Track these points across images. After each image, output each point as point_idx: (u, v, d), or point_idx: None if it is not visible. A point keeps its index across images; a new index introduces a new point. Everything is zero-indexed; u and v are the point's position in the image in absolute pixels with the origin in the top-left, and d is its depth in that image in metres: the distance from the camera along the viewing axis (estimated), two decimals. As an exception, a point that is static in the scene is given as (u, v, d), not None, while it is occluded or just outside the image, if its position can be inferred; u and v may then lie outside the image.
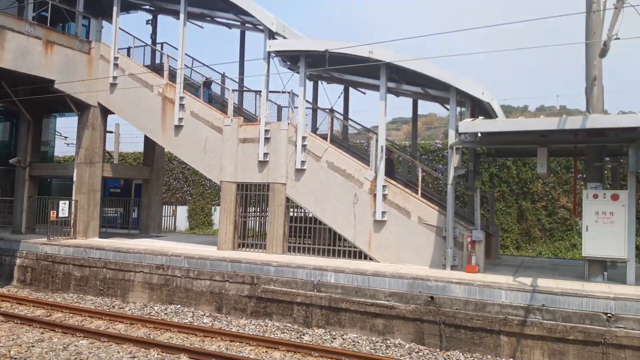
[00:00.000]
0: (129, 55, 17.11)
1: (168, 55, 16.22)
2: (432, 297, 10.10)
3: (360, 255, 12.79)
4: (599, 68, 10.29)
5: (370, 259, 12.54)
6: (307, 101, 14.97)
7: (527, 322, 9.14)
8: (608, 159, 13.33)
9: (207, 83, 16.74)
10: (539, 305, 9.13)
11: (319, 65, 12.93)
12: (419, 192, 12.57)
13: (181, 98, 15.30)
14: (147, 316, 12.05)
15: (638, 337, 8.32)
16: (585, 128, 9.53)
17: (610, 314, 8.58)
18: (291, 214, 14.03)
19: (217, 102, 17.07)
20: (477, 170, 13.72)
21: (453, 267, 11.40)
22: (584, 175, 10.99)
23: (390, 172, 13.22)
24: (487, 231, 13.35)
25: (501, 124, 10.52)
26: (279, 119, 17.02)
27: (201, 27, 18.17)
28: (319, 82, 17.14)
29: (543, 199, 18.97)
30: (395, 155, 14.66)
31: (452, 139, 11.60)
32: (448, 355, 9.60)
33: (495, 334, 9.44)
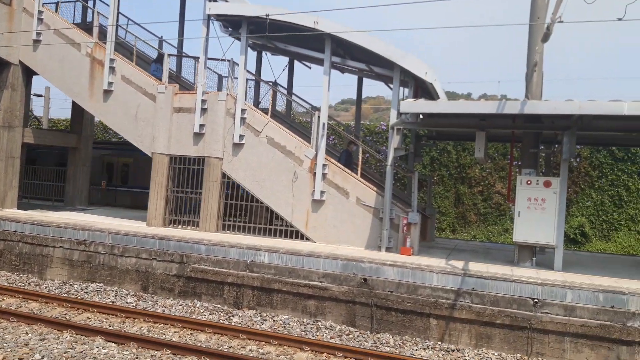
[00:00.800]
0: (56, 10, 15.61)
1: (98, 12, 14.91)
2: (365, 279, 9.92)
3: (297, 235, 12.43)
4: (541, 53, 10.28)
5: (307, 239, 12.22)
6: (249, 72, 14.26)
7: (457, 306, 9.14)
8: (543, 147, 13.60)
9: (160, 58, 15.40)
10: (469, 289, 9.14)
11: (263, 32, 12.25)
12: (359, 172, 12.31)
13: (111, 60, 14.13)
14: (65, 295, 11.19)
15: (562, 322, 8.49)
16: (523, 113, 9.53)
17: (537, 299, 8.71)
18: (227, 190, 13.42)
19: (172, 80, 15.93)
20: (417, 153, 13.63)
21: (388, 249, 11.28)
22: (519, 162, 11.08)
23: (349, 165, 12.87)
24: (423, 214, 13.34)
25: (442, 105, 10.35)
26: (220, 89, 16.21)
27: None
28: (264, 52, 16.40)
29: (480, 184, 19.35)
30: (355, 147, 14.36)
31: (393, 119, 11.36)
32: (378, 338, 9.48)
33: (425, 317, 9.40)
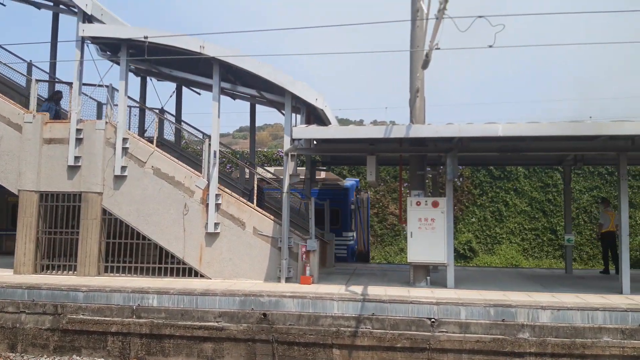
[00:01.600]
0: None
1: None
2: (264, 314, 9.41)
3: (191, 272, 11.58)
4: (422, 80, 10.75)
5: (202, 276, 11.42)
6: (131, 98, 13.28)
7: (358, 333, 8.97)
8: (430, 168, 14.24)
9: (56, 96, 13.67)
10: (369, 315, 9.03)
11: (145, 56, 11.48)
12: (255, 200, 11.87)
13: (-35, 88, 12.38)
14: None
15: (458, 340, 8.65)
16: (409, 137, 9.82)
17: (434, 319, 8.82)
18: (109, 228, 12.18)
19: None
20: (313, 179, 13.55)
21: (288, 279, 10.90)
22: (409, 184, 11.41)
23: (260, 202, 12.34)
24: (322, 239, 13.22)
25: (333, 131, 10.36)
26: (100, 117, 14.93)
27: (3, 5, 15.19)
28: (149, 78, 15.47)
29: (375, 206, 19.84)
30: (265, 185, 13.95)
31: (287, 145, 11.15)
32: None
33: (328, 347, 9.10)
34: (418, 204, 10.62)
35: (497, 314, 8.67)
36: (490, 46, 8.35)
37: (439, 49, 8.47)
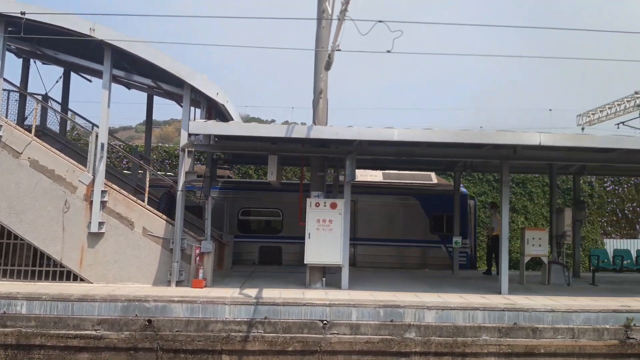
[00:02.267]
0: None
1: None
2: (150, 321, 8.80)
3: (69, 276, 10.54)
4: (325, 81, 10.74)
5: (82, 279, 10.45)
6: (7, 81, 11.87)
7: (250, 338, 8.70)
8: (333, 169, 14.35)
9: None
10: (261, 318, 8.79)
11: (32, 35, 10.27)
12: (146, 199, 11.13)
13: None
14: None
15: (348, 341, 8.69)
16: (310, 138, 9.74)
17: (326, 320, 8.79)
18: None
19: None
20: (214, 177, 13.00)
21: (179, 283, 10.32)
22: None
23: (169, 210, 11.35)
24: (220, 241, 12.76)
25: (234, 127, 10.00)
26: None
27: None
28: (32, 61, 13.97)
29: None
30: (177, 190, 13.09)
31: (184, 140, 10.58)
32: (166, 385, 8.48)
33: (217, 354, 8.72)
34: (317, 205, 10.59)
35: (386, 315, 8.84)
36: (389, 51, 8.51)
37: (339, 50, 8.49)
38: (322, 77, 10.68)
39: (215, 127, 9.83)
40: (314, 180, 10.98)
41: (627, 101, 23.19)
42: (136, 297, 8.94)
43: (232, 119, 11.79)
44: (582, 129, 24.16)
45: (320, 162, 11.01)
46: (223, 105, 10.95)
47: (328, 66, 9.56)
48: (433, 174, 17.36)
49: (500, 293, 10.37)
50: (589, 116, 25.18)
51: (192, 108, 11.97)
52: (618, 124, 21.74)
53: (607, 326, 8.96)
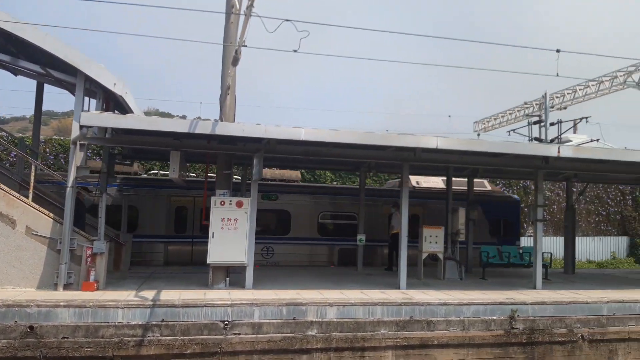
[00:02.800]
0: None
1: None
2: (31, 327, 8.05)
3: None
4: (233, 77, 10.51)
5: (-49, 283, 9.32)
6: None
7: (145, 342, 8.25)
8: (241, 168, 14.11)
9: None
10: (158, 321, 8.38)
11: None
12: (30, 195, 10.17)
13: None
14: None
15: (250, 341, 8.57)
16: (216, 134, 9.47)
17: (227, 321, 8.59)
18: None
19: None
20: (111, 173, 12.20)
21: (67, 286, 9.53)
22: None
23: (79, 219, 10.49)
24: (117, 241, 12.03)
25: (132, 121, 9.42)
26: None
27: None
28: None
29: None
30: (85, 196, 11.99)
31: (75, 132, 9.79)
32: (49, 397, 7.79)
33: (108, 360, 8.18)
34: (222, 203, 10.32)
35: (289, 313, 8.83)
36: (295, 51, 8.52)
37: (245, 46, 8.35)
38: (229, 73, 10.44)
39: (111, 120, 9.22)
40: (219, 178, 10.70)
41: (518, 110, 25.41)
42: (16, 302, 8.13)
43: (132, 112, 11.15)
44: (478, 134, 26.04)
45: (226, 159, 10.75)
46: (121, 96, 10.31)
47: (235, 62, 9.36)
48: (486, 181, 18.21)
49: (399, 288, 10.80)
50: (484, 123, 27.21)
51: (89, 99, 11.19)
52: (509, 131, 23.66)
53: (494, 318, 9.67)
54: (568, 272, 15.44)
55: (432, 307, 9.46)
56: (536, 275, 11.76)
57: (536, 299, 10.18)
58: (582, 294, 11.10)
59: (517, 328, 9.67)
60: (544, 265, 12.54)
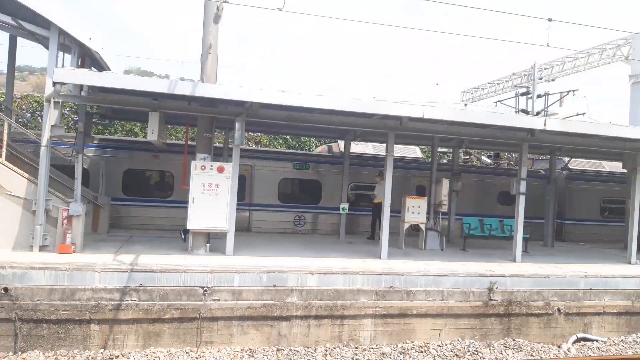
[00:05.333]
0: None
1: None
2: (5, 289, 7.89)
3: None
4: (215, 35, 10.07)
5: None
6: None
7: (122, 306, 8.15)
8: (223, 132, 13.77)
9: None
10: (136, 286, 8.27)
11: None
12: (4, 153, 9.80)
13: None
14: None
15: (229, 307, 8.52)
16: (197, 96, 9.13)
17: (207, 287, 8.51)
18: None
19: None
20: (88, 133, 11.79)
21: (43, 248, 9.34)
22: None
23: None
24: (95, 203, 11.77)
25: (108, 78, 8.98)
26: None
27: None
28: None
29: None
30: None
31: (49, 89, 9.36)
32: (24, 358, 7.70)
33: (85, 323, 8.08)
34: (203, 168, 10.07)
35: (269, 280, 8.78)
36: (280, 9, 8.14)
37: (227, 2, 7.93)
38: (211, 31, 9.99)
39: (86, 77, 8.79)
40: (200, 141, 10.40)
41: (506, 81, 25.23)
42: (-12, 264, 7.92)
43: (109, 69, 10.69)
44: (465, 104, 25.86)
45: (207, 122, 10.42)
46: (97, 52, 9.85)
47: (217, 19, 8.96)
48: (417, 149, 18.80)
49: (380, 258, 10.81)
50: (471, 93, 27.02)
51: (63, 54, 10.67)
52: (496, 102, 23.53)
53: (473, 289, 9.75)
54: (548, 245, 15.65)
55: (412, 277, 9.50)
56: (516, 248, 11.87)
57: (515, 271, 10.28)
58: (561, 267, 11.25)
59: (495, 300, 9.78)
60: (525, 238, 12.63)
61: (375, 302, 9.18)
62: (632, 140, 12.35)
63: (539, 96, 20.63)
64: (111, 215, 13.09)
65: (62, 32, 9.61)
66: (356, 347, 8.88)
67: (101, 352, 8.01)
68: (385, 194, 11.04)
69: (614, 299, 10.46)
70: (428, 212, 13.03)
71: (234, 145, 10.31)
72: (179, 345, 8.36)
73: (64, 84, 8.96)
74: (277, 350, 8.55)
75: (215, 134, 11.09)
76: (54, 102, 9.49)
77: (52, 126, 9.52)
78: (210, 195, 9.99)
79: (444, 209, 13.61)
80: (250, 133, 21.47)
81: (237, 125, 10.01)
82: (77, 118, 16.62)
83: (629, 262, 12.61)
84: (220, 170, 10.09)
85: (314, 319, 8.86)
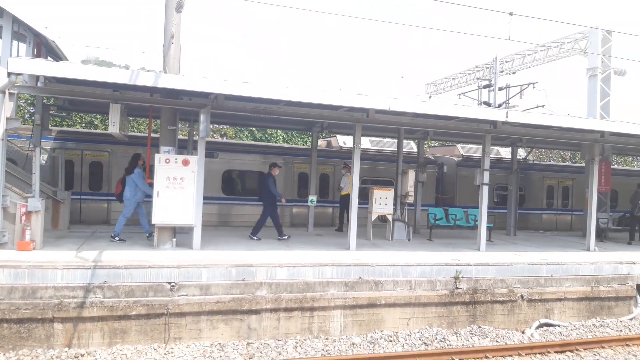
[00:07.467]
0: None
1: None
2: (-41, 290, 7.52)
3: None
4: (178, 25, 9.84)
5: None
6: None
7: (86, 304, 7.92)
8: (188, 124, 13.48)
9: None
10: (100, 283, 8.04)
11: None
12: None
13: None
14: None
15: (197, 302, 8.40)
16: (159, 87, 8.90)
17: (174, 282, 8.36)
18: None
19: None
20: (45, 125, 11.33)
21: (1, 246, 8.97)
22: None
23: None
24: (55, 198, 11.36)
25: (65, 69, 8.58)
26: None
27: None
28: None
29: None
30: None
31: (4, 80, 8.91)
32: (-18, 361, 7.40)
33: (47, 322, 7.80)
34: (167, 161, 9.85)
35: (238, 274, 8.71)
36: None
37: (191, -8, 7.71)
38: (173, 20, 9.75)
39: (42, 67, 8.40)
40: (163, 134, 10.17)
41: (469, 74, 25.69)
42: (-60, 264, 7.53)
43: (66, 59, 10.29)
44: (429, 96, 26.22)
45: (171, 114, 10.20)
46: (54, 41, 9.46)
47: (179, 8, 8.74)
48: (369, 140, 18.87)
49: (348, 249, 10.88)
50: (435, 85, 27.41)
51: (18, 43, 10.20)
52: (460, 94, 23.94)
53: (440, 278, 9.94)
54: (510, 234, 16.11)
55: (380, 267, 9.60)
56: (480, 237, 12.17)
57: (480, 260, 10.55)
58: (523, 255, 11.62)
59: (461, 288, 10.01)
60: (488, 228, 12.96)
61: (344, 293, 9.23)
62: (588, 132, 12.83)
63: (500, 89, 21.12)
64: (72, 211, 12.69)
65: (16, 20, 9.19)
66: (326, 339, 8.93)
67: (66, 351, 7.77)
68: (354, 187, 11.09)
69: (574, 285, 10.88)
70: (394, 204, 13.18)
71: (199, 137, 10.12)
72: (147, 342, 8.19)
73: (19, 74, 8.57)
74: (247, 344, 8.50)
75: (180, 126, 10.82)
76: (9, 93, 9.08)
77: (7, 119, 9.12)
78: (176, 189, 9.80)
79: (410, 200, 13.80)
80: (215, 125, 21.16)
81: (201, 117, 9.82)
82: (33, 110, 15.97)
83: (588, 249, 13.14)
84: (186, 163, 9.90)
85: (284, 312, 8.84)
